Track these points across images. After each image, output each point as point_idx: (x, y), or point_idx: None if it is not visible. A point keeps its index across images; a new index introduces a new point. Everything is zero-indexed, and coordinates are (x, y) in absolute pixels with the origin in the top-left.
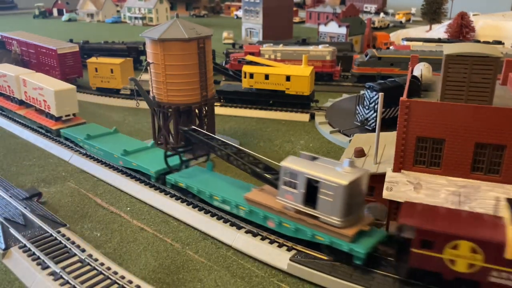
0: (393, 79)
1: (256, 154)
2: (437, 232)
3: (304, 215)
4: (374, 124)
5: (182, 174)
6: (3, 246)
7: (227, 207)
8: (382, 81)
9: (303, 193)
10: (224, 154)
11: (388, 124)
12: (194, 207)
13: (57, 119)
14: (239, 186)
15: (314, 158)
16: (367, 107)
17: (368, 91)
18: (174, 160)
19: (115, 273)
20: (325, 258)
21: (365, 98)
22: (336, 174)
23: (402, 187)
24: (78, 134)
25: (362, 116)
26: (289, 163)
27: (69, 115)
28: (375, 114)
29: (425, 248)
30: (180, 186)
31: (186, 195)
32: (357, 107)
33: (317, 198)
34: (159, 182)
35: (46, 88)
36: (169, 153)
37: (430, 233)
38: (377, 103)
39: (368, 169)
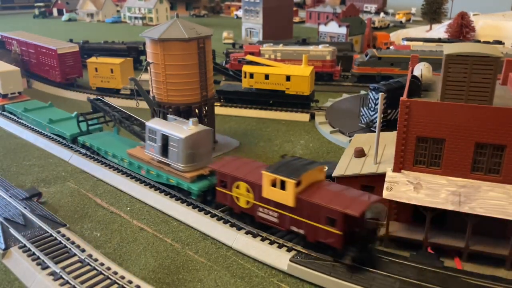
0: (396, 79)
1: (143, 120)
2: (226, 174)
3: (162, 164)
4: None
5: (90, 136)
6: (3, 246)
7: (115, 160)
8: (387, 82)
9: (160, 146)
10: (116, 118)
11: (393, 125)
12: (194, 207)
13: (4, 96)
14: (131, 145)
15: (174, 119)
16: (372, 109)
17: (373, 92)
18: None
19: (115, 273)
20: (326, 259)
21: (370, 100)
22: (180, 130)
23: (402, 187)
24: (18, 108)
25: (367, 118)
26: (151, 123)
27: (14, 93)
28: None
29: (222, 187)
30: (86, 144)
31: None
32: (361, 109)
33: (168, 149)
34: (76, 144)
35: None
36: (80, 118)
37: (223, 174)
38: (383, 103)
39: (210, 128)
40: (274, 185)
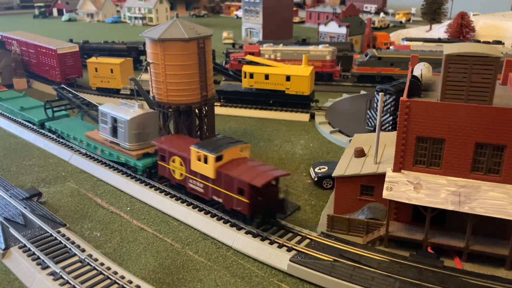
0: (401, 80)
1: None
2: (165, 149)
3: (112, 144)
4: (389, 128)
5: (56, 122)
6: (3, 246)
7: (76, 142)
8: (394, 83)
9: (110, 127)
10: (77, 105)
11: None
12: (194, 207)
13: None
14: (90, 129)
15: (125, 104)
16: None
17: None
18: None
19: (115, 273)
20: (326, 258)
21: (377, 102)
22: (126, 113)
23: (402, 187)
24: None
25: (376, 121)
26: (102, 107)
27: None
28: (390, 118)
29: (162, 161)
30: (52, 129)
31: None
32: (368, 112)
33: (117, 130)
34: (44, 129)
35: None
36: (47, 105)
37: (162, 150)
38: (392, 105)
39: (155, 111)
40: (199, 159)
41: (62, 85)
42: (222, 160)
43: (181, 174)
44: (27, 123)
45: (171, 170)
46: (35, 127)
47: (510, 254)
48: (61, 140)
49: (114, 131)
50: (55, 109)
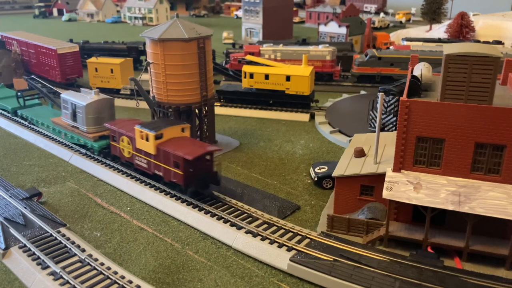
0: (403, 81)
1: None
2: (115, 130)
3: (73, 127)
4: (392, 128)
5: (27, 109)
6: (3, 246)
7: (43, 127)
8: (397, 84)
9: (71, 112)
10: (44, 93)
11: None
12: (194, 207)
13: None
14: (58, 115)
15: (85, 91)
16: (383, 112)
17: (384, 95)
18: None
19: (115, 273)
20: (326, 258)
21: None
22: (84, 99)
23: (402, 187)
24: None
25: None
26: (64, 94)
27: None
28: (393, 118)
29: (113, 141)
30: (23, 116)
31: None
32: (371, 112)
33: (76, 115)
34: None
35: None
36: (19, 94)
37: (113, 131)
38: (395, 105)
39: (111, 97)
40: (142, 138)
41: (33, 76)
42: (162, 138)
43: (129, 152)
44: (27, 124)
45: (121, 149)
46: (35, 127)
47: (510, 254)
48: (60, 140)
49: (74, 116)
50: (28, 98)
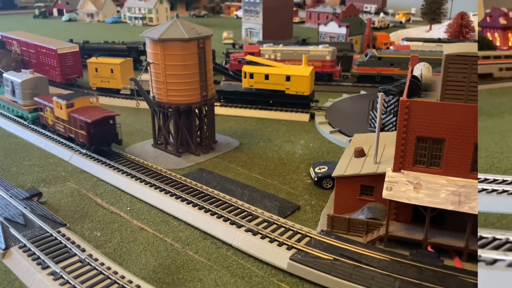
0: (403, 81)
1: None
2: (41, 102)
3: (13, 102)
4: (392, 128)
5: None
6: (3, 246)
7: None
8: (397, 84)
9: (11, 89)
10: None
11: None
12: (194, 206)
13: None
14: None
15: (23, 72)
16: (383, 112)
17: (384, 95)
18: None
19: (115, 273)
20: (326, 257)
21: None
22: (20, 77)
23: (402, 187)
24: None
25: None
26: (5, 74)
27: None
28: (393, 118)
29: (41, 111)
30: None
31: None
32: (371, 113)
33: (15, 91)
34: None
35: None
36: None
37: (39, 103)
38: (395, 105)
39: (44, 76)
40: (58, 107)
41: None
42: (74, 107)
43: (52, 120)
44: (27, 124)
45: (46, 118)
46: (35, 127)
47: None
48: (60, 140)
49: (13, 92)
50: None
